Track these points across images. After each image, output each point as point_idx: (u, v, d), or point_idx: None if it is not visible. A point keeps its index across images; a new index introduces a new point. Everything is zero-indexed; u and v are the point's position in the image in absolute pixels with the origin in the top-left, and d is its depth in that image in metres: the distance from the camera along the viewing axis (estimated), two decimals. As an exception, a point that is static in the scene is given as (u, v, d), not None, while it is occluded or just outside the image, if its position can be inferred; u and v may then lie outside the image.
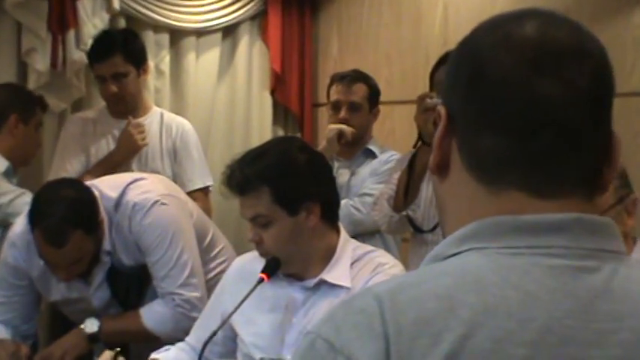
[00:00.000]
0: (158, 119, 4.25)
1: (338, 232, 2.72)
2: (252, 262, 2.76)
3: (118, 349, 2.95)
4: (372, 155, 4.22)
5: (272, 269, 2.63)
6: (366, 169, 4.19)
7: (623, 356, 0.97)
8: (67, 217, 3.01)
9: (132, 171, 3.99)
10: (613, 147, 1.08)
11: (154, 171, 4.04)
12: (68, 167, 4.13)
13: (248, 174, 2.57)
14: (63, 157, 4.18)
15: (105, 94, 4.14)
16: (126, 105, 4.14)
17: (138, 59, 4.11)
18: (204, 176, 4.28)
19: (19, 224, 3.25)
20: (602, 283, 1.00)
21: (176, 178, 4.10)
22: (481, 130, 1.05)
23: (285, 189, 2.58)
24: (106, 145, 4.18)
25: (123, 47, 4.06)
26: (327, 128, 4.16)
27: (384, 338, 0.96)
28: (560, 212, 1.02)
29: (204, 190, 4.29)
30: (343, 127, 4.12)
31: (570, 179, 1.05)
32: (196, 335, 2.87)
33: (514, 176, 1.04)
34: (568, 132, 1.03)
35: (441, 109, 1.09)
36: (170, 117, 4.33)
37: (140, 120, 4.18)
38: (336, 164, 4.18)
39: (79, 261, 3.11)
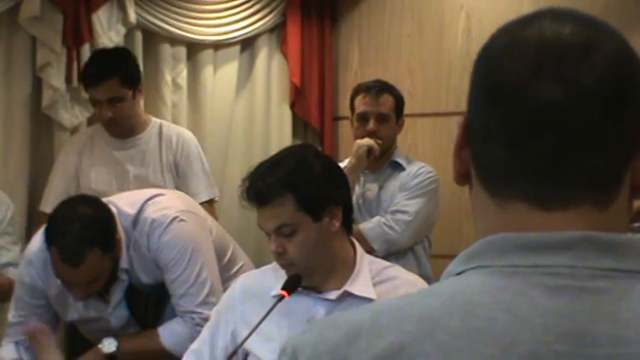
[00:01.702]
0: (157, 132, 4.18)
1: (353, 244, 2.70)
2: (261, 278, 2.73)
3: None
4: (399, 167, 4.16)
5: (293, 286, 2.59)
6: (395, 182, 4.12)
7: None
8: (83, 235, 2.96)
9: (131, 189, 3.89)
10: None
11: (156, 186, 3.97)
12: (50, 192, 4.15)
13: (270, 182, 2.53)
14: (51, 182, 4.18)
15: (100, 119, 4.07)
16: (122, 128, 4.08)
17: (134, 82, 4.02)
18: (209, 188, 4.21)
19: (36, 242, 3.22)
20: (608, 305, 0.94)
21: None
22: (486, 140, 1.02)
23: (309, 194, 2.54)
24: (102, 163, 4.11)
25: (119, 71, 3.96)
26: (355, 144, 4.07)
27: None
28: (568, 226, 0.97)
29: (210, 203, 4.22)
30: (372, 142, 4.04)
31: (577, 186, 0.98)
32: (202, 356, 2.76)
33: (517, 187, 1.00)
34: (571, 135, 0.97)
35: (461, 118, 1.07)
36: (169, 128, 4.25)
37: (138, 138, 4.12)
38: (362, 178, 4.12)
39: (96, 280, 3.06)
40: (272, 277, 2.65)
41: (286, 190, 2.52)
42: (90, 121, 4.59)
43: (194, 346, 2.83)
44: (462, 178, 1.08)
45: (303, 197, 2.53)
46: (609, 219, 0.99)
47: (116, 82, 3.93)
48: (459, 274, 1.01)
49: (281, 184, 2.52)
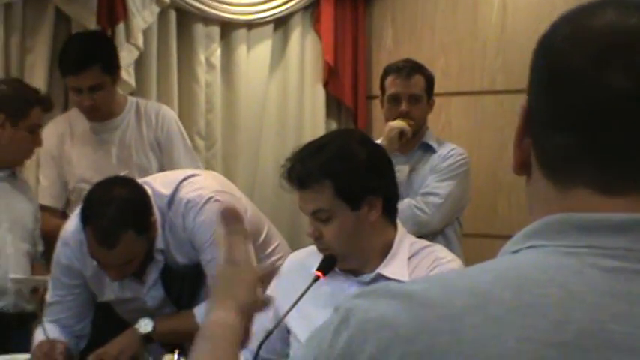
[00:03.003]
0: (134, 112, 4.11)
1: (395, 226, 2.69)
2: (307, 257, 2.74)
3: (177, 350, 2.88)
4: (430, 150, 4.13)
5: (328, 267, 2.60)
6: (426, 165, 4.10)
7: None
8: (118, 218, 2.98)
9: (115, 171, 3.82)
10: None
11: (140, 167, 3.98)
12: (43, 182, 4.12)
13: (310, 167, 2.53)
14: (42, 173, 4.15)
15: (80, 106, 3.99)
16: (101, 113, 4.01)
17: (114, 68, 3.96)
18: (192, 163, 4.11)
19: (72, 223, 3.23)
20: None
21: (165, 170, 3.94)
22: (550, 127, 1.02)
23: (348, 183, 2.54)
24: (84, 148, 4.08)
25: (101, 58, 3.89)
26: (387, 126, 4.04)
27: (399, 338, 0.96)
28: (628, 210, 0.98)
29: None
30: (404, 125, 4.01)
31: None
32: None
33: (581, 173, 1.01)
34: (636, 125, 0.98)
35: (522, 107, 1.07)
36: (147, 106, 4.17)
37: (116, 120, 4.06)
38: (392, 160, 4.08)
39: (131, 261, 3.08)
40: (317, 256, 2.65)
41: (325, 177, 2.52)
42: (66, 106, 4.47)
43: None
44: (522, 167, 1.08)
45: (341, 186, 2.52)
46: None
47: (98, 70, 3.86)
48: (515, 252, 1.01)
49: (321, 171, 2.52)
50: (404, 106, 4.06)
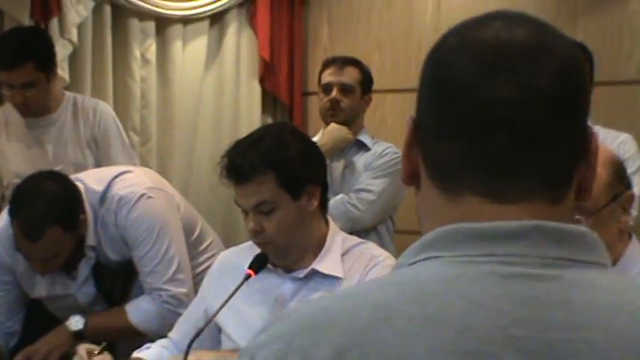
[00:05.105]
0: (71, 109, 4.03)
1: (327, 222, 2.71)
2: (237, 255, 2.74)
3: (104, 343, 2.88)
4: (364, 147, 4.13)
5: (259, 265, 2.60)
6: (360, 162, 4.10)
7: None
8: (45, 212, 2.96)
9: (51, 167, 3.69)
10: (589, 146, 1.05)
11: (76, 163, 3.92)
12: None
13: (251, 159, 2.53)
14: None
15: (12, 101, 3.89)
16: (33, 110, 3.92)
17: (49, 65, 3.86)
18: (130, 159, 4.06)
19: (3, 219, 3.19)
20: (560, 292, 0.96)
21: (102, 166, 3.87)
22: (438, 137, 1.03)
23: (289, 172, 2.55)
24: (19, 144, 4.01)
25: (36, 55, 3.79)
26: (336, 130, 4.01)
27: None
28: (520, 217, 0.99)
29: None
30: (350, 136, 4.01)
31: (530, 181, 1.01)
32: (180, 331, 2.84)
33: (470, 181, 1.02)
34: (524, 133, 1.00)
35: (409, 118, 1.08)
36: (84, 102, 4.08)
37: (53, 115, 3.98)
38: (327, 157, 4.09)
39: (56, 256, 3.05)
40: (249, 254, 2.65)
41: (268, 167, 2.52)
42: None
43: (181, 317, 2.90)
44: (411, 178, 1.09)
45: (283, 175, 2.53)
46: (560, 214, 1.01)
47: (32, 67, 3.75)
48: (412, 264, 1.02)
49: (263, 161, 2.52)
50: (334, 94, 4.05)
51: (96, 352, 2.87)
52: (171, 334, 2.88)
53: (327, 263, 2.62)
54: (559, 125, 1.01)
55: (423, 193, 1.07)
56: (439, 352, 0.93)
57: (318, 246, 2.65)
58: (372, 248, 2.72)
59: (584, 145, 1.04)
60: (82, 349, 2.88)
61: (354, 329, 0.95)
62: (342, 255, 2.65)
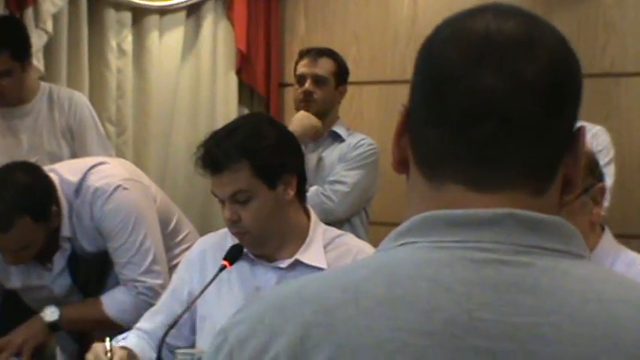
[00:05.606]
0: (46, 99, 4.00)
1: (307, 212, 2.72)
2: (217, 240, 2.75)
3: (108, 338, 2.79)
4: (339, 138, 4.12)
5: (234, 257, 2.62)
6: (334, 153, 4.09)
7: (538, 351, 0.94)
8: (15, 202, 2.96)
9: (25, 157, 3.68)
10: (576, 139, 1.05)
11: (52, 154, 3.90)
12: None
13: (226, 148, 2.54)
14: None
15: None
16: (8, 100, 3.88)
17: (25, 55, 3.83)
18: (106, 150, 4.04)
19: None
20: (530, 278, 0.97)
21: (77, 157, 3.85)
22: (425, 125, 1.05)
23: (265, 161, 2.55)
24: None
25: (11, 44, 3.76)
26: (305, 117, 4.00)
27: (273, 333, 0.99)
28: (500, 207, 1.00)
29: None
30: (319, 125, 4.01)
31: (513, 172, 1.02)
32: (155, 320, 2.80)
33: (453, 170, 1.03)
34: (510, 123, 1.01)
35: (401, 106, 1.09)
36: (60, 92, 4.06)
37: (28, 106, 3.95)
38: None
39: (27, 247, 3.05)
40: (230, 241, 2.66)
41: (243, 156, 2.53)
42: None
43: (153, 308, 2.87)
44: (400, 165, 1.10)
45: (259, 164, 2.54)
46: (542, 206, 1.02)
47: (7, 56, 3.72)
48: (390, 250, 1.04)
49: (238, 150, 2.53)
50: (307, 86, 4.05)
51: (108, 349, 2.71)
52: (141, 325, 2.83)
53: (310, 254, 2.64)
54: (546, 117, 1.02)
55: (411, 180, 1.09)
56: (403, 332, 0.94)
57: (299, 236, 2.66)
58: (353, 239, 2.75)
59: (571, 138, 1.05)
60: (100, 349, 2.64)
61: (323, 309, 0.97)
62: (325, 246, 2.66)
